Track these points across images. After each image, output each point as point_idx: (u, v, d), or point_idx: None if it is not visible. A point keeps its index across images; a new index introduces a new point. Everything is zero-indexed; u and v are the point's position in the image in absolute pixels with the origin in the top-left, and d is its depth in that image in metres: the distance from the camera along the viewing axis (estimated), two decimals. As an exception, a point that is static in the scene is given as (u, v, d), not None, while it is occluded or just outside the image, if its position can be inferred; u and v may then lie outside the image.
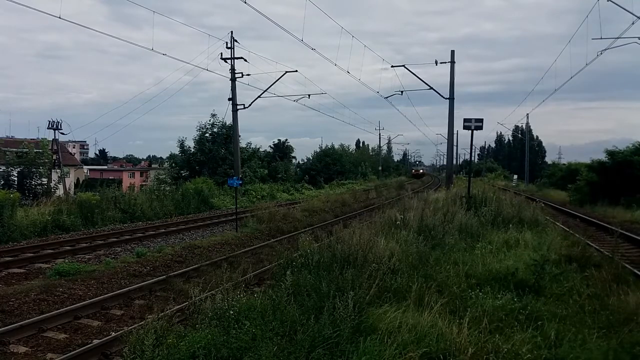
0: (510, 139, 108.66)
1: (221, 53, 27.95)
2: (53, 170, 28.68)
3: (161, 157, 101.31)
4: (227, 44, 27.93)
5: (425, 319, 5.30)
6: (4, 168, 25.07)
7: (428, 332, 5.04)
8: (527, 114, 79.17)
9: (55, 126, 33.52)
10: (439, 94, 27.37)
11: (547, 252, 8.50)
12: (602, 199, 24.51)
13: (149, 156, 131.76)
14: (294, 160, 55.96)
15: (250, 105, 29.49)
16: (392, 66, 27.65)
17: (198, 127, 36.29)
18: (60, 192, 26.81)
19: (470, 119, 16.94)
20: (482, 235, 11.00)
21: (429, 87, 27.76)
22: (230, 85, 28.77)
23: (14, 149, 26.88)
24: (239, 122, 29.88)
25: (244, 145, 37.25)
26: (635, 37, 19.73)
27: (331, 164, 55.79)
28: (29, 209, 16.12)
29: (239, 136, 31.16)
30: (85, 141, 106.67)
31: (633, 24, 16.98)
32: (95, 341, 6.18)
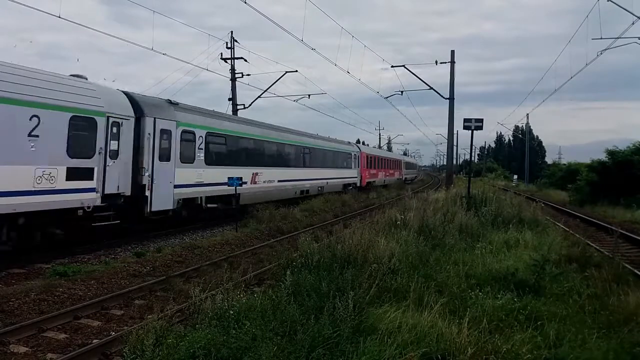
0: (511, 139, 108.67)
1: (221, 53, 27.87)
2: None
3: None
4: (227, 44, 27.89)
5: (425, 319, 5.30)
6: None
7: (428, 332, 5.04)
8: (527, 114, 79.28)
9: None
10: (439, 94, 27.39)
11: (547, 252, 8.51)
12: (602, 199, 24.52)
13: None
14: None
15: (250, 105, 29.25)
16: (392, 66, 27.64)
17: None
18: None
19: (470, 119, 16.96)
20: (482, 235, 11.00)
21: (429, 87, 27.78)
22: (231, 85, 28.71)
23: None
24: (237, 121, 29.09)
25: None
26: (635, 37, 19.78)
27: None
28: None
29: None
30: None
31: (633, 24, 17.02)
32: (95, 341, 6.18)
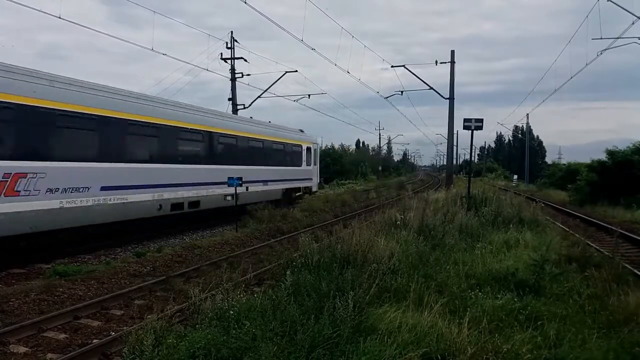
0: (511, 139, 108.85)
1: (221, 53, 27.94)
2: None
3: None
4: (227, 44, 27.92)
5: (425, 319, 5.30)
6: None
7: (428, 332, 5.04)
8: (527, 114, 79.37)
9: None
10: (439, 94, 27.41)
11: (547, 252, 8.50)
12: (602, 199, 24.51)
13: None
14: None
15: (250, 105, 29.45)
16: (392, 66, 27.74)
17: None
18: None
19: (470, 119, 16.94)
20: (482, 235, 11.00)
21: (429, 87, 27.81)
22: (231, 85, 28.76)
23: None
24: (237, 121, 29.25)
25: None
26: (635, 37, 19.81)
27: (331, 164, 55.77)
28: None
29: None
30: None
31: (633, 24, 17.03)
32: (95, 341, 6.17)
